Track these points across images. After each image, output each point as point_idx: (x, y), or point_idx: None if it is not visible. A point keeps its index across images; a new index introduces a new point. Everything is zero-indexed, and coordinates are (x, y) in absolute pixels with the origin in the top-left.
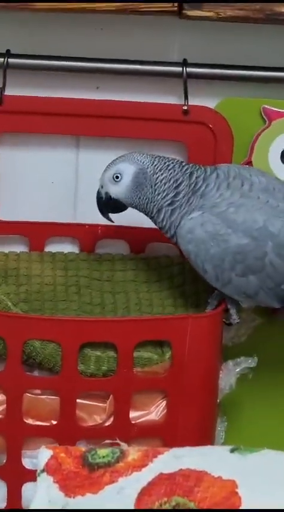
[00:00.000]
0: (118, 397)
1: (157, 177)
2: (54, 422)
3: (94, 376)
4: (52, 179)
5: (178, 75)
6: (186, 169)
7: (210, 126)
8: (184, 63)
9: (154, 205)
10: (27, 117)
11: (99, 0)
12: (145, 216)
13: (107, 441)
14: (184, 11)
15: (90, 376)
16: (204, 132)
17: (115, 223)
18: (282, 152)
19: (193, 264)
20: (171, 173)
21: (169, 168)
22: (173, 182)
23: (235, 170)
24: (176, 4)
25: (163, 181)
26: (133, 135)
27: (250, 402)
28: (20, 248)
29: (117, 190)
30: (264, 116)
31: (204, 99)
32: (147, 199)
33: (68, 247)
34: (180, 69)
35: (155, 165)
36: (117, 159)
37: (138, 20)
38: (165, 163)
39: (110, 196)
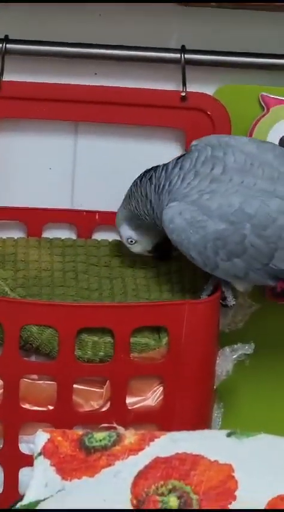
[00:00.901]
0: (115, 382)
1: (132, 209)
2: (51, 408)
3: (91, 361)
4: (50, 165)
5: (176, 61)
6: (143, 180)
7: (208, 112)
8: (183, 50)
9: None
10: (25, 103)
11: None
12: None
13: (104, 425)
14: None
15: (87, 361)
16: (202, 118)
17: (113, 210)
18: (280, 139)
19: (182, 252)
20: (136, 196)
21: (131, 194)
22: (144, 198)
23: (206, 153)
24: None
25: (137, 206)
26: (131, 122)
27: (247, 388)
28: (17, 234)
29: (142, 246)
30: (262, 103)
31: (202, 86)
32: (150, 226)
33: (65, 233)
34: (179, 55)
35: (124, 205)
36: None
37: (136, 6)
38: (128, 193)
39: (150, 250)
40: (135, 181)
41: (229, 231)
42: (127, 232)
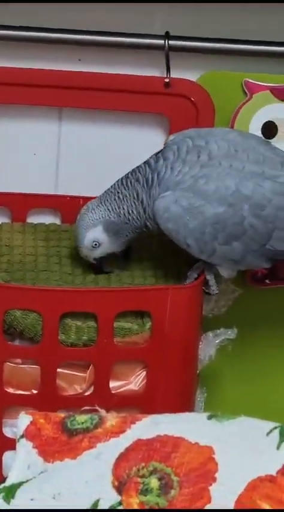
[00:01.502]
0: (98, 366)
1: (123, 213)
2: (35, 392)
3: (74, 345)
4: (34, 151)
5: (160, 47)
6: (131, 180)
7: (192, 99)
8: (167, 36)
9: (136, 227)
10: (9, 88)
11: None
12: None
13: (86, 408)
14: None
15: (70, 345)
16: (185, 105)
17: (96, 195)
18: (263, 125)
19: (175, 241)
20: (127, 199)
21: (121, 197)
22: (136, 200)
23: (187, 144)
24: None
25: (129, 211)
26: (115, 108)
27: (230, 373)
28: (1, 219)
29: (102, 251)
30: (246, 89)
31: (186, 72)
32: (130, 232)
33: (49, 219)
34: (163, 41)
35: (111, 208)
36: (77, 228)
37: None
38: (115, 197)
39: (101, 257)
40: (120, 184)
41: (228, 213)
42: (97, 235)
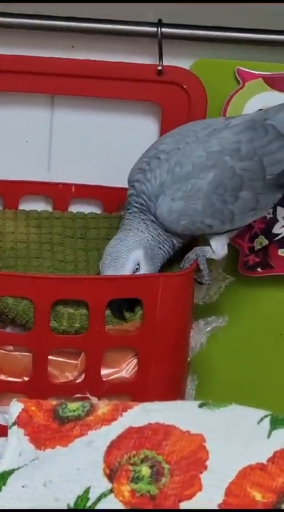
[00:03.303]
0: (89, 354)
1: (154, 235)
2: (26, 379)
3: (66, 333)
4: (26, 138)
5: (153, 35)
6: (135, 210)
7: (184, 86)
8: (160, 24)
9: (165, 251)
10: (2, 75)
11: None
12: (119, 176)
13: (78, 395)
14: None
15: (62, 333)
16: (178, 92)
17: (89, 183)
18: None
19: (196, 233)
20: (146, 221)
21: (142, 220)
22: (149, 223)
23: (144, 161)
24: None
25: (154, 232)
26: (108, 95)
27: (221, 361)
28: None
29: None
30: (238, 77)
31: (178, 60)
32: (160, 259)
33: (41, 206)
34: (155, 29)
35: (142, 229)
36: (112, 253)
37: None
38: (139, 223)
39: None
40: (135, 214)
41: (218, 174)
42: (140, 257)
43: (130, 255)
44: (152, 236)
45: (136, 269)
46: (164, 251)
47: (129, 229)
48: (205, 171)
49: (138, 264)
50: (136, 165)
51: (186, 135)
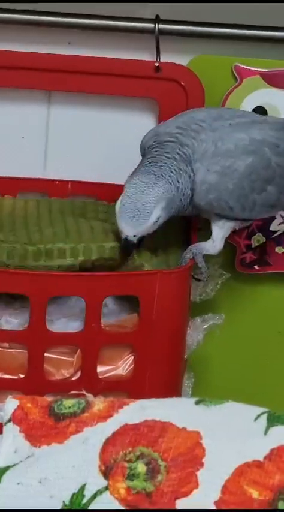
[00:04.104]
0: (86, 351)
1: (181, 188)
2: (22, 376)
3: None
4: (23, 134)
5: (150, 31)
6: (173, 155)
7: (182, 83)
8: (157, 20)
9: (182, 205)
10: None
11: None
12: (116, 173)
13: (73, 392)
14: None
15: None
16: (175, 89)
17: (85, 179)
18: (253, 110)
19: (218, 210)
20: (183, 173)
21: (177, 170)
22: (186, 174)
23: (182, 120)
24: None
25: (185, 185)
26: (105, 91)
27: (217, 358)
28: None
29: (153, 228)
30: (236, 74)
31: (176, 56)
32: (179, 208)
33: None
34: (152, 25)
35: (171, 181)
36: (139, 202)
37: None
38: (171, 169)
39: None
40: (167, 158)
41: (256, 161)
42: (161, 211)
43: (154, 210)
44: (178, 188)
45: (155, 222)
46: (183, 205)
47: (159, 176)
48: (245, 154)
49: (158, 218)
50: (165, 126)
51: (218, 116)
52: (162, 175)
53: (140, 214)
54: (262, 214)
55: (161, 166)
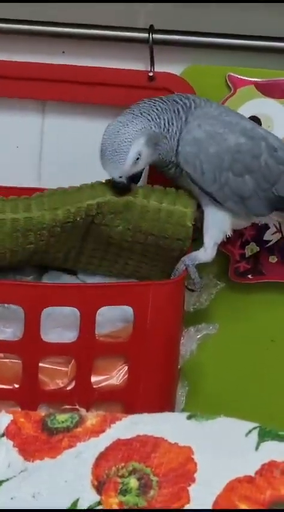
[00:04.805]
0: (80, 361)
1: (163, 124)
2: (17, 386)
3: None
4: (17, 144)
5: (144, 41)
6: (169, 99)
7: (176, 93)
8: (151, 29)
9: (173, 149)
10: None
11: None
12: None
13: (66, 406)
14: None
15: None
16: None
17: None
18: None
19: (190, 169)
20: (167, 111)
21: (160, 109)
22: (176, 114)
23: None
24: None
25: (170, 122)
26: (99, 101)
27: (211, 368)
28: None
29: (139, 167)
30: (230, 84)
31: (170, 66)
32: (166, 149)
33: None
34: (146, 35)
35: (151, 118)
36: (115, 142)
37: None
38: (153, 108)
39: (133, 175)
40: (156, 100)
41: (248, 145)
42: (141, 147)
43: (132, 147)
44: (159, 124)
45: (137, 159)
46: (169, 147)
47: (138, 115)
48: (242, 135)
49: (140, 154)
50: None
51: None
52: (141, 114)
53: (118, 154)
54: (227, 200)
55: (143, 106)
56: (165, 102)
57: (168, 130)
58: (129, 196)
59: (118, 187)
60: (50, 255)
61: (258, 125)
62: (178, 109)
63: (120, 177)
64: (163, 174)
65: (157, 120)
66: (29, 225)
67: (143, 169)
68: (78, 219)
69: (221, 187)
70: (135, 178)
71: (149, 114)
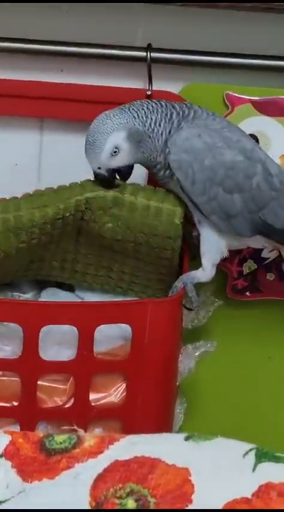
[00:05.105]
0: (78, 379)
1: (149, 124)
2: (16, 404)
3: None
4: (16, 161)
5: (142, 59)
6: (166, 103)
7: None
8: (149, 48)
9: (157, 149)
10: None
11: None
12: None
13: (65, 427)
14: None
15: None
16: None
17: None
18: None
19: (181, 176)
20: (157, 112)
21: (151, 108)
22: (167, 117)
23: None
24: None
25: (157, 123)
26: None
27: (209, 385)
28: None
29: (119, 161)
30: (227, 102)
31: (168, 84)
32: (150, 149)
33: None
34: (144, 53)
35: (137, 115)
36: (96, 133)
37: (103, 3)
38: (142, 107)
39: (113, 169)
40: (150, 100)
41: (244, 164)
42: (120, 141)
43: (108, 139)
44: (145, 123)
45: (115, 152)
46: (154, 146)
47: (125, 110)
48: (240, 153)
49: (117, 148)
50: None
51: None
52: (129, 110)
53: (95, 144)
54: (213, 215)
55: (135, 104)
56: (160, 105)
57: (153, 130)
58: (116, 192)
59: (99, 179)
60: (46, 263)
61: (260, 148)
62: (171, 113)
63: (99, 168)
64: (155, 178)
65: (144, 118)
66: (19, 223)
67: (131, 166)
68: (67, 215)
69: (209, 201)
70: (121, 173)
71: (137, 112)
